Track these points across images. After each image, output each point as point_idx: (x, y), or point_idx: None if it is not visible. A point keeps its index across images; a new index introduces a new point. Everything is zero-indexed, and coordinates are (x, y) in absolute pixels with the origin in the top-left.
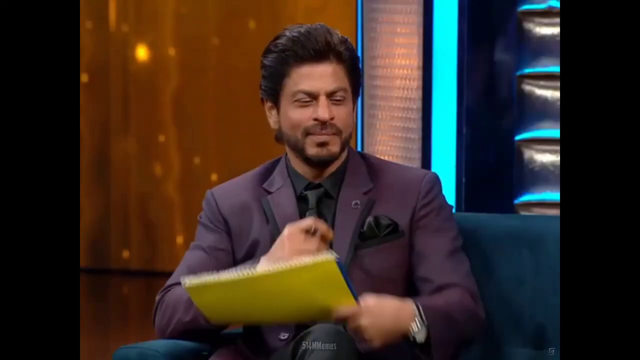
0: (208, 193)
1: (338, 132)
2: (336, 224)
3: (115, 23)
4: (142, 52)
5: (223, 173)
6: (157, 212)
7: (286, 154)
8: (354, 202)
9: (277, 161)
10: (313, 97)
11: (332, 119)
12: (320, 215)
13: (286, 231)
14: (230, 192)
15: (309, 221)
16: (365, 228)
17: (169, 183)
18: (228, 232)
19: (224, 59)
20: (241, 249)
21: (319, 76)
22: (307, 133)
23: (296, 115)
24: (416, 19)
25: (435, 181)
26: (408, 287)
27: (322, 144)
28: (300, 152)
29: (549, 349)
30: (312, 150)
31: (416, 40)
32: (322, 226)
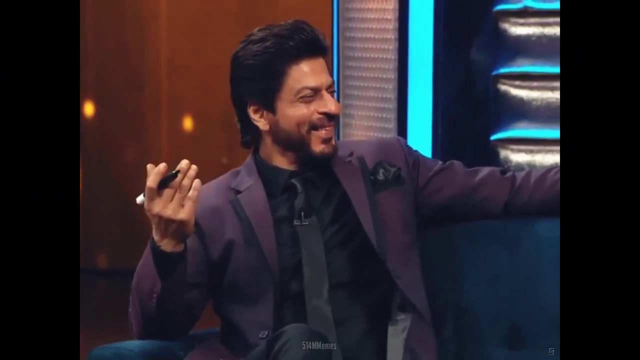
0: None
1: (336, 123)
2: (341, 179)
3: None
4: None
5: None
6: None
7: (257, 155)
8: (347, 159)
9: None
10: (315, 91)
11: None
12: (308, 200)
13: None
14: (200, 198)
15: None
16: (379, 175)
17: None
18: (199, 232)
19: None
20: (216, 250)
21: (319, 71)
22: (312, 128)
23: (301, 112)
24: (392, 18)
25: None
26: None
27: (326, 140)
28: (303, 149)
29: (549, 349)
30: (318, 148)
31: (392, 40)
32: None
